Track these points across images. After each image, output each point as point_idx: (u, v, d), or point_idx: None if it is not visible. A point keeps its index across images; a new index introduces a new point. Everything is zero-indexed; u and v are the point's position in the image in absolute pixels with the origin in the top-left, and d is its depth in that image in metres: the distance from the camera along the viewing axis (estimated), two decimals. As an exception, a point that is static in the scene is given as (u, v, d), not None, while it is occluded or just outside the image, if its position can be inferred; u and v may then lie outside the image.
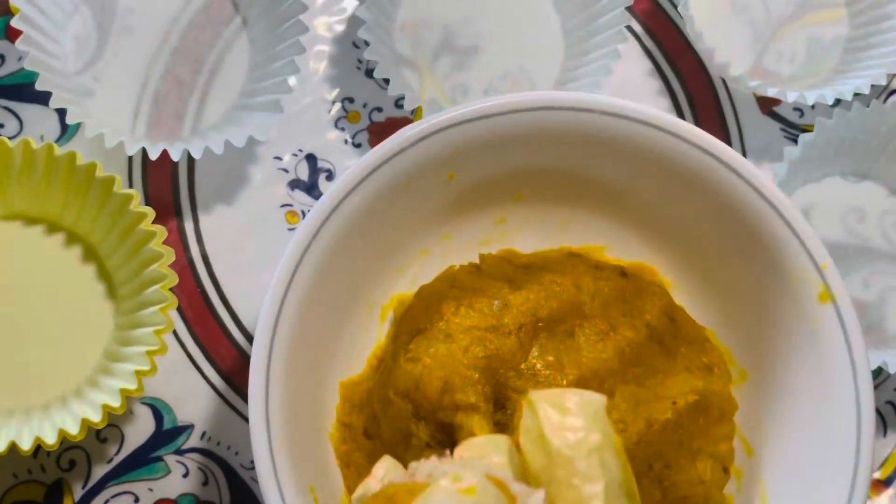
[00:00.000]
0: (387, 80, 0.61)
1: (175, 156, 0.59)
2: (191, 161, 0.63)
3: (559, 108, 0.53)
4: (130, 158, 0.62)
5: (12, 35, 0.62)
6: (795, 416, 0.54)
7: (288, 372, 0.50)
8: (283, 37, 0.62)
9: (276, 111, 0.60)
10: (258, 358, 0.49)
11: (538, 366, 0.52)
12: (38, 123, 0.62)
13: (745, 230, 0.54)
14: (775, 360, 0.55)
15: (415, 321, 0.54)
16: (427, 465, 0.45)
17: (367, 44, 0.61)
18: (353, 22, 0.66)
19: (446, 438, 0.51)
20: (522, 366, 0.52)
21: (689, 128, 0.53)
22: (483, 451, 0.46)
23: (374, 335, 0.57)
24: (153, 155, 0.58)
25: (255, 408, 0.48)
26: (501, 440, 0.46)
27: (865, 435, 0.50)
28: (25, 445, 0.52)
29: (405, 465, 0.51)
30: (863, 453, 0.50)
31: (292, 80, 0.61)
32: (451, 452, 0.51)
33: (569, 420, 0.44)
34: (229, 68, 0.64)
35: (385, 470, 0.46)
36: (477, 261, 0.58)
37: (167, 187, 0.62)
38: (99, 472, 0.58)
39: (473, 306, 0.53)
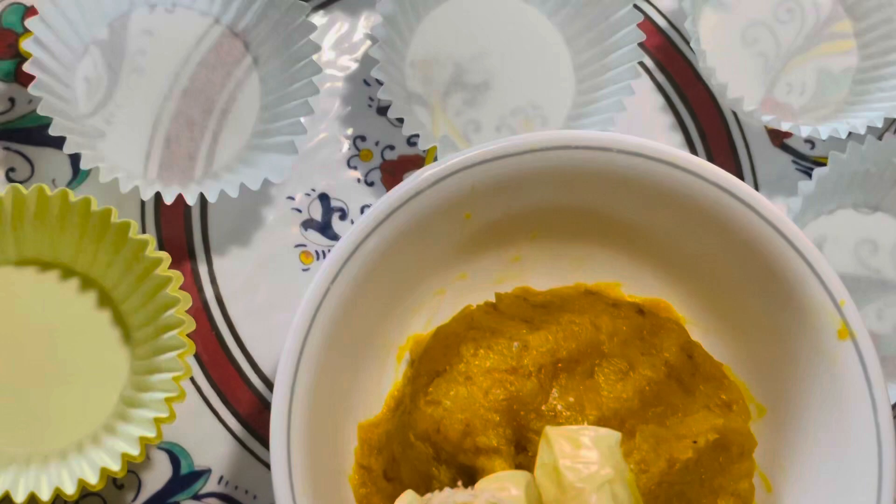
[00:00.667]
0: (400, 120, 0.61)
1: (190, 200, 0.58)
2: (203, 202, 0.62)
3: (575, 147, 0.53)
4: (143, 200, 0.62)
5: (22, 78, 0.62)
6: (815, 452, 0.54)
7: (308, 416, 0.49)
8: (296, 77, 0.62)
9: (291, 152, 0.60)
10: (279, 404, 0.49)
11: (559, 407, 0.52)
12: (50, 167, 0.62)
13: (761, 266, 0.54)
14: (793, 396, 0.55)
15: (434, 363, 0.54)
16: (440, 496, 0.46)
17: (380, 83, 0.60)
18: (365, 60, 0.66)
19: (468, 481, 0.51)
20: (543, 407, 0.52)
21: (706, 165, 0.53)
22: (502, 483, 0.47)
23: (391, 375, 0.57)
24: (168, 199, 0.58)
25: (277, 455, 0.48)
26: (521, 475, 0.47)
27: (887, 471, 0.50)
28: (45, 495, 0.51)
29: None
30: (884, 490, 0.50)
31: (304, 120, 0.61)
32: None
33: (582, 453, 0.45)
34: (241, 108, 0.64)
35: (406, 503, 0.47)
36: (493, 299, 0.58)
37: (180, 229, 0.62)
38: (116, 518, 0.58)
39: (493, 348, 0.53)
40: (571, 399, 0.52)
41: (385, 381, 0.57)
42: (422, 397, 0.52)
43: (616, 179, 0.54)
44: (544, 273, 0.59)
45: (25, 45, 0.58)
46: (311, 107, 0.60)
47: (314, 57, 0.61)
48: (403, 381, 0.57)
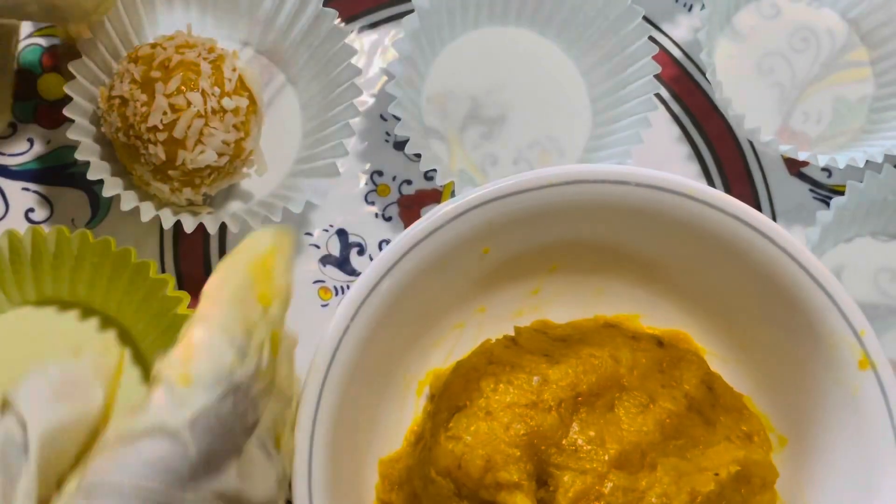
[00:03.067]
0: (418, 155, 0.61)
1: (211, 229, 0.58)
2: (222, 236, 0.62)
3: (592, 182, 0.53)
4: (161, 231, 0.62)
5: (41, 119, 0.62)
6: (837, 482, 0.53)
7: (330, 452, 0.49)
8: (338, 101, 0.62)
9: (333, 174, 0.60)
10: (300, 441, 0.49)
11: (579, 441, 0.52)
12: (69, 206, 0.62)
13: (780, 297, 0.54)
14: (814, 427, 0.55)
15: (454, 398, 0.54)
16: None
17: (397, 119, 0.61)
18: (381, 96, 0.66)
19: (489, 517, 0.51)
20: (564, 442, 0.51)
21: (723, 197, 0.53)
22: None
23: (410, 410, 0.57)
24: (188, 228, 0.58)
25: (299, 491, 0.48)
26: None
27: (910, 502, 0.50)
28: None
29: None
30: (908, 521, 0.50)
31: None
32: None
33: None
34: (283, 138, 0.64)
35: None
36: (511, 333, 0.58)
37: (199, 262, 0.62)
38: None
39: (513, 382, 0.52)
40: (592, 433, 0.52)
41: (405, 416, 0.57)
42: (442, 433, 0.52)
43: (634, 212, 0.54)
44: (563, 306, 0.59)
45: (67, 88, 0.58)
46: (353, 129, 0.61)
47: (355, 80, 0.61)
48: (423, 416, 0.56)
